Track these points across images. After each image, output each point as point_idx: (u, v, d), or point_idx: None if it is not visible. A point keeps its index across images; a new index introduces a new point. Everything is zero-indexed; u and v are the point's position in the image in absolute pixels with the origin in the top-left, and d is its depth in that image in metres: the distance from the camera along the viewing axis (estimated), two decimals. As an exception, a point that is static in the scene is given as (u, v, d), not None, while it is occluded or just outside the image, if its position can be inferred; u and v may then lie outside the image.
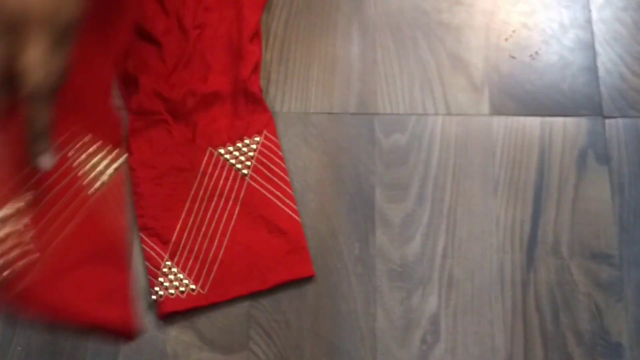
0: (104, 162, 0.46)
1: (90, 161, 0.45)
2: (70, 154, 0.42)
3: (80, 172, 0.44)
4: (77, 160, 0.44)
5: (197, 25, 0.66)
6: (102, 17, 0.44)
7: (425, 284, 0.60)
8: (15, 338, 0.57)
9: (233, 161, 0.63)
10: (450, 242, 0.61)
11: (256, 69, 0.66)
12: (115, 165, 0.48)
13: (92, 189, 0.46)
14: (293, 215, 0.62)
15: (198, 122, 0.64)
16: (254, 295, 0.59)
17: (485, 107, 0.66)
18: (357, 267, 0.63)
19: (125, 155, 0.50)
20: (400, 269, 0.63)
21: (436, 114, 0.66)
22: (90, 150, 0.45)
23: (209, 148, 0.63)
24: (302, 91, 0.67)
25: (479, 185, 0.63)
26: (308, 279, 0.60)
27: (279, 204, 0.62)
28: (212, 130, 0.64)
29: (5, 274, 0.37)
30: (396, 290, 0.62)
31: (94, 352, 0.56)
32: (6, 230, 0.36)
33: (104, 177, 0.46)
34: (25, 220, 0.38)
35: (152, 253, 0.60)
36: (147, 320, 0.58)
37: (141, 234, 0.61)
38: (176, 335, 0.57)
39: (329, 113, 0.67)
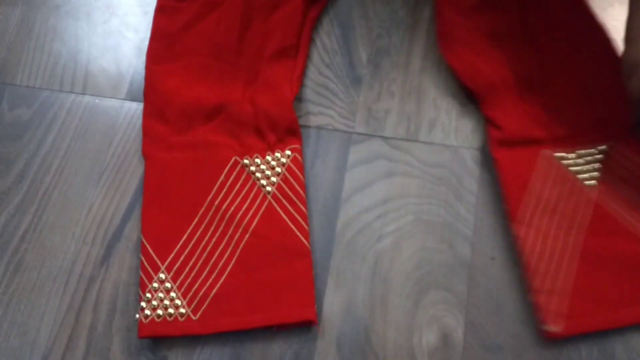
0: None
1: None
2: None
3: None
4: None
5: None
6: None
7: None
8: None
9: (259, 175, 0.57)
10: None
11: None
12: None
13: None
14: (307, 244, 0.54)
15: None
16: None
17: None
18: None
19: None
20: None
21: None
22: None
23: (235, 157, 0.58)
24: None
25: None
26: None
27: (297, 232, 0.54)
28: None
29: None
30: None
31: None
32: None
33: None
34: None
35: (146, 263, 0.53)
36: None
37: (143, 237, 0.54)
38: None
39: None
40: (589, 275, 0.52)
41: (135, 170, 0.59)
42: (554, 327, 0.50)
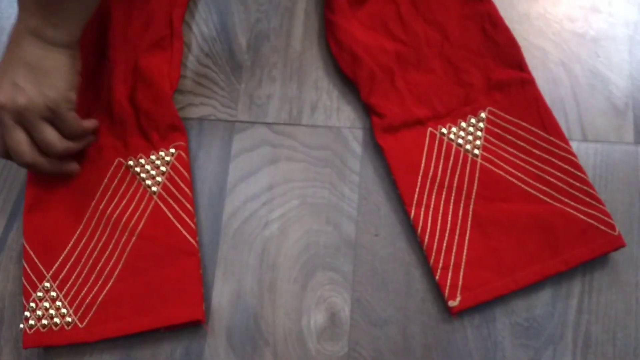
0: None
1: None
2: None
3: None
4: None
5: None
6: None
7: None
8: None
9: (144, 175, 0.56)
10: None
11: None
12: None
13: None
14: (194, 243, 0.54)
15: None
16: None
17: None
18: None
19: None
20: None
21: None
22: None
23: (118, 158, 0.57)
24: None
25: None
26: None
27: (184, 231, 0.54)
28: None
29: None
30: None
31: None
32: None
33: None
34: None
35: (30, 271, 0.53)
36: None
37: (25, 243, 0.54)
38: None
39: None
40: (483, 244, 0.53)
41: (16, 176, 0.58)
42: (453, 302, 0.51)
